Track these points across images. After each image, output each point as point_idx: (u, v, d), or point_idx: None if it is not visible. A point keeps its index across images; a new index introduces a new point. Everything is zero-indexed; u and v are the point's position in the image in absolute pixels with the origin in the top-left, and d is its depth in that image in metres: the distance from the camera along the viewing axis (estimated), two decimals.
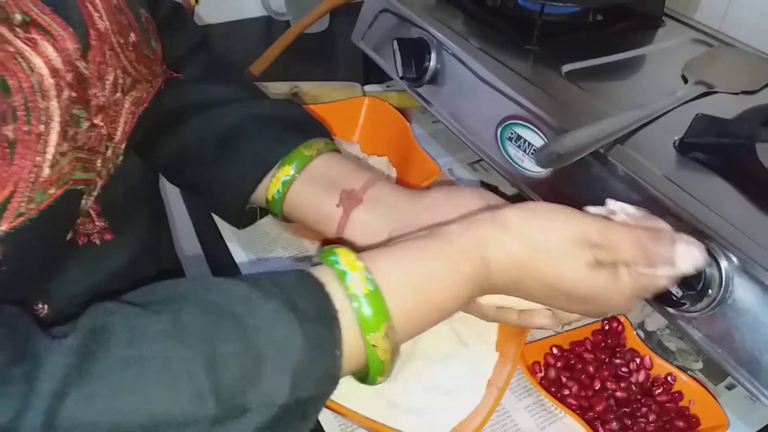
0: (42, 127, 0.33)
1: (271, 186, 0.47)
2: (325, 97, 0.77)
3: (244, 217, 0.52)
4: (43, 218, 0.34)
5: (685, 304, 0.42)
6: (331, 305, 0.33)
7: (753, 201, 0.45)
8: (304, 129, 0.50)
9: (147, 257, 0.48)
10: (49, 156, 0.33)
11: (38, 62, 0.32)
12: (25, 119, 0.32)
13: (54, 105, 0.33)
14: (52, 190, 0.34)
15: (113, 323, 0.29)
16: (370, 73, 0.85)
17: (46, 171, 0.33)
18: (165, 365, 0.28)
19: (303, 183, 0.47)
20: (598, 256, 0.37)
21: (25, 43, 0.32)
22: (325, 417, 0.46)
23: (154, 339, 0.29)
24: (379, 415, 0.42)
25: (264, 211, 0.53)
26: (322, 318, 0.32)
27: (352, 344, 0.33)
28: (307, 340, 0.31)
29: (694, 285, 0.41)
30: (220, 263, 0.59)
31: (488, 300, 0.42)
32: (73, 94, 0.34)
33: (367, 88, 0.81)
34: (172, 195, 0.57)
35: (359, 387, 0.44)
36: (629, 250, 0.38)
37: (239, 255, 0.59)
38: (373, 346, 0.33)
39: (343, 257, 0.35)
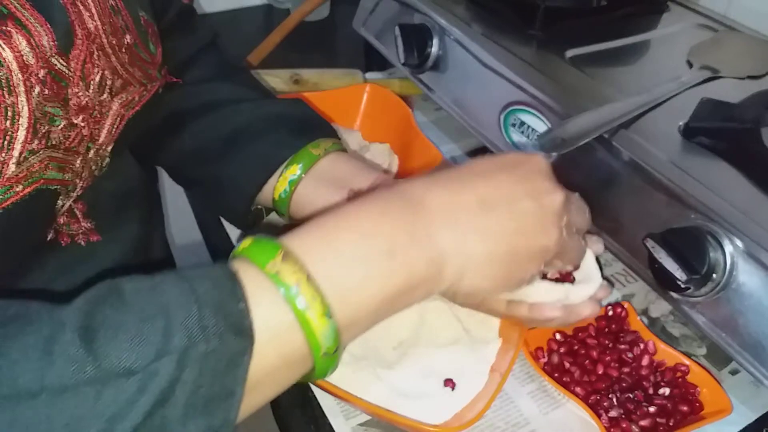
0: (7, 123, 0.32)
1: (278, 185, 0.47)
2: (325, 84, 0.77)
3: (250, 217, 0.52)
4: (7, 216, 0.33)
5: (690, 288, 0.42)
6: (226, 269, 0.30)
7: (758, 185, 0.44)
8: (311, 129, 0.50)
9: (135, 258, 0.47)
10: (15, 153, 0.33)
11: (8, 56, 0.31)
12: None
13: (22, 101, 0.32)
14: (18, 188, 0.33)
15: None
16: (372, 61, 0.84)
17: (12, 168, 0.33)
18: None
19: (310, 182, 0.47)
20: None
21: None
22: (326, 402, 0.46)
23: None
24: (382, 401, 0.42)
25: (269, 213, 0.53)
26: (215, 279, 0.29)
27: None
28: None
29: (698, 269, 0.41)
30: (221, 251, 0.59)
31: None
32: (46, 92, 0.34)
33: (369, 75, 0.80)
34: (168, 183, 0.57)
35: (361, 372, 0.44)
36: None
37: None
38: (276, 274, 0.29)
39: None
